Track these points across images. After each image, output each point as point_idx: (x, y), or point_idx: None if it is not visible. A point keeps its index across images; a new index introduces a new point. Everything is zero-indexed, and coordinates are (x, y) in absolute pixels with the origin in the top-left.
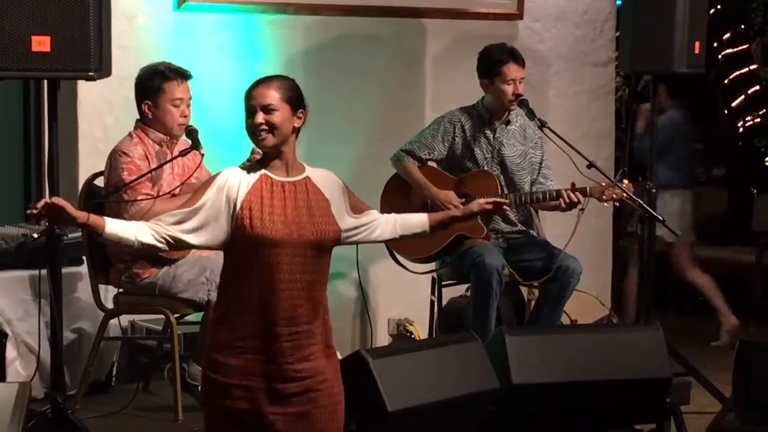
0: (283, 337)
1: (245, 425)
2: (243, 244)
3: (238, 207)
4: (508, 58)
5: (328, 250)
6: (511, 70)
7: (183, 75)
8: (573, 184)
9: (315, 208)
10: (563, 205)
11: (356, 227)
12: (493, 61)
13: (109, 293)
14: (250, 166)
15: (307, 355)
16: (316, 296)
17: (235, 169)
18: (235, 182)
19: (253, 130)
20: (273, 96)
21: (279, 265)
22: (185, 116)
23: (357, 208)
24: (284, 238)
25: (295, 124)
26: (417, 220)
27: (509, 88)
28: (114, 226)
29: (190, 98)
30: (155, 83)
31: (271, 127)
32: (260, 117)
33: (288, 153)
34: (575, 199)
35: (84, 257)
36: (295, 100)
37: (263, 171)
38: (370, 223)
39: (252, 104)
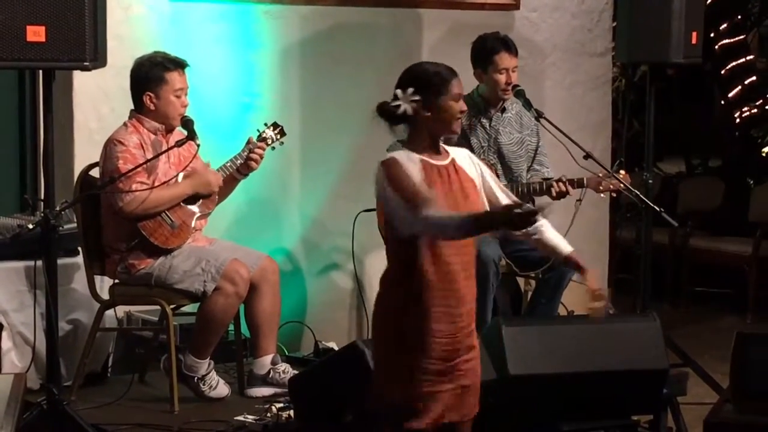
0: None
1: None
2: None
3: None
4: (500, 47)
5: None
6: (504, 59)
7: (181, 65)
8: (562, 177)
9: (467, 189)
10: (553, 194)
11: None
12: (486, 51)
13: (104, 284)
14: (402, 151)
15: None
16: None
17: (400, 153)
18: (409, 167)
19: (459, 116)
20: None
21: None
22: (185, 105)
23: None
24: None
25: None
26: None
27: (502, 78)
28: None
29: (188, 87)
30: (157, 74)
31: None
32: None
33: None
34: (565, 190)
35: (80, 248)
36: None
37: (420, 156)
38: None
39: (460, 92)
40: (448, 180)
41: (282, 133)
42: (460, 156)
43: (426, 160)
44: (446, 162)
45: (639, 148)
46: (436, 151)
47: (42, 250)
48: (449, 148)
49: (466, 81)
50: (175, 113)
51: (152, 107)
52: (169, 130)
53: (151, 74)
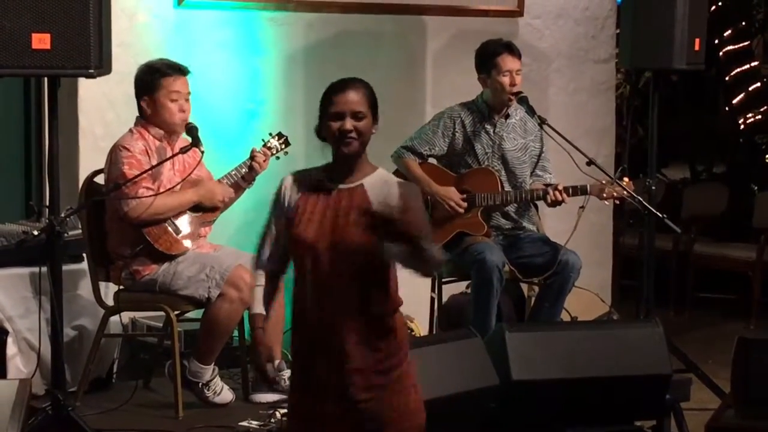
0: None
1: None
2: (289, 246)
3: (289, 210)
4: (502, 49)
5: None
6: (507, 61)
7: (180, 70)
8: (558, 185)
9: (350, 218)
10: (548, 202)
11: None
12: (489, 54)
13: (109, 290)
14: (312, 170)
15: None
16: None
17: (297, 173)
18: (289, 186)
19: (340, 136)
20: (363, 102)
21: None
22: (183, 111)
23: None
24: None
25: (373, 131)
26: None
27: (506, 80)
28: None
29: (189, 93)
30: (152, 79)
31: (359, 134)
32: (350, 123)
33: (359, 159)
34: (560, 199)
35: (84, 254)
36: (376, 108)
37: (324, 175)
38: None
39: (342, 110)
40: (337, 204)
41: (286, 143)
42: (377, 183)
43: (316, 185)
44: (351, 185)
45: (643, 154)
46: (350, 173)
47: (47, 257)
48: (378, 174)
49: (472, 88)
50: (171, 117)
51: (149, 112)
52: (174, 135)
53: (147, 79)
